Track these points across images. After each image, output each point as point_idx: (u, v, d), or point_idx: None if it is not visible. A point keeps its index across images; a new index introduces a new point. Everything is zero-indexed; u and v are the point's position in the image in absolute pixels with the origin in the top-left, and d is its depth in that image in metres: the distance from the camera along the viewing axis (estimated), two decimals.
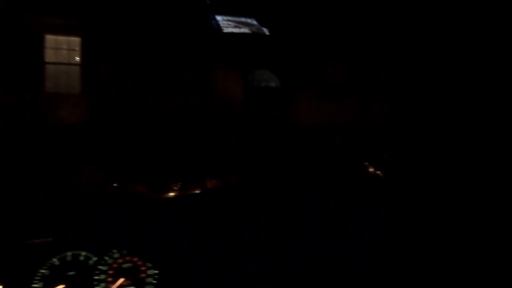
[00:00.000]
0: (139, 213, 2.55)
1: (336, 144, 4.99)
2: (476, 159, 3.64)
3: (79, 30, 6.76)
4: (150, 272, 1.89)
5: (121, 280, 1.79)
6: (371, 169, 4.00)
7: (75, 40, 7.14)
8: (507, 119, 4.60)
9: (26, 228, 2.06)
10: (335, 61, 6.51)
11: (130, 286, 1.80)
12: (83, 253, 1.90)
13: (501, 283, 1.43)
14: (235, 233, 2.30)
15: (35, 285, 1.70)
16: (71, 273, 1.79)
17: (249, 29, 5.65)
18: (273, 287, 1.71)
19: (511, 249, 1.60)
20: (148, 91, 5.21)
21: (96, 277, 1.81)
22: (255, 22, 5.41)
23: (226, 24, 5.48)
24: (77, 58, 7.39)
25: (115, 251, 1.94)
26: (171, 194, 2.96)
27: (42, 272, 1.76)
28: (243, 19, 5.55)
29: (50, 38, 7.31)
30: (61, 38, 7.22)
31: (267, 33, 5.79)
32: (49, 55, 7.79)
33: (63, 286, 1.72)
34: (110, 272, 1.85)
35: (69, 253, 1.88)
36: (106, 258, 1.90)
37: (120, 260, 1.92)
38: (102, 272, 1.84)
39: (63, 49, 7.72)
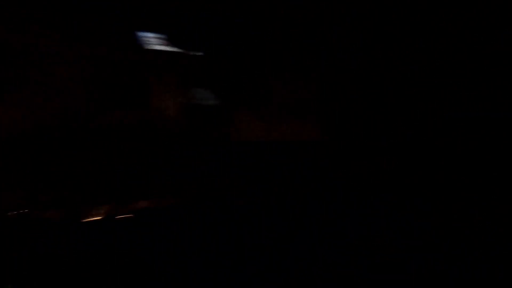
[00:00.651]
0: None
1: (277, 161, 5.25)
2: (476, 160, 3.63)
3: None
4: None
5: None
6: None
7: None
8: (506, 119, 4.59)
9: None
10: (275, 79, 6.36)
11: None
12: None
13: (501, 283, 1.42)
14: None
15: None
16: None
17: (179, 49, 5.57)
18: (273, 287, 1.70)
19: (511, 249, 1.58)
20: (83, 107, 4.99)
21: None
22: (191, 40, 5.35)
23: (154, 41, 5.38)
24: None
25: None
26: (94, 218, 2.80)
27: None
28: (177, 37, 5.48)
29: None
30: None
31: (199, 54, 5.70)
32: None
33: None
34: None
35: None
36: None
37: None
38: None
39: None
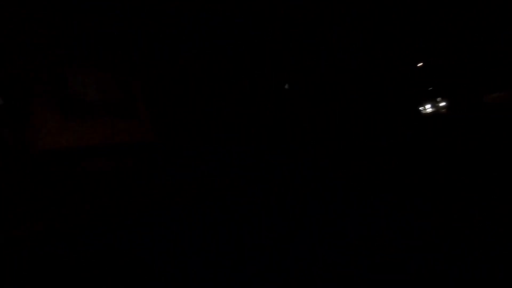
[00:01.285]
0: None
1: (95, 167, 4.37)
2: (476, 160, 3.64)
3: None
4: None
5: None
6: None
7: None
8: (506, 120, 4.59)
9: None
10: (81, 74, 4.91)
11: None
12: None
13: (501, 283, 1.41)
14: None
15: None
16: None
17: None
18: (273, 287, 1.68)
19: (511, 249, 1.58)
20: None
21: None
22: None
23: None
24: None
25: None
26: None
27: None
28: None
29: None
30: None
31: None
32: None
33: None
34: None
35: None
36: None
37: None
38: None
39: None
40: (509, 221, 1.85)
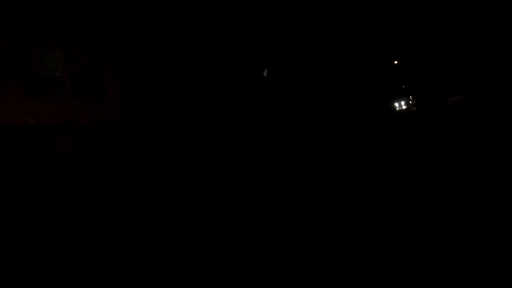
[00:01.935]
0: None
1: (61, 148, 4.13)
2: (476, 160, 3.78)
3: None
4: None
5: None
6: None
7: None
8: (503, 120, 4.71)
9: None
10: (44, 48, 4.46)
11: None
12: None
13: (501, 283, 1.39)
14: None
15: None
16: None
17: None
18: (273, 287, 1.75)
19: (511, 249, 1.57)
20: None
21: None
22: None
23: None
24: None
25: None
26: None
27: None
28: None
29: None
30: None
31: None
32: None
33: None
34: None
35: None
36: None
37: None
38: None
39: None
40: (509, 221, 1.89)
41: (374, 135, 5.61)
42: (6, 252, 2.19)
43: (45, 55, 4.36)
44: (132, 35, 5.36)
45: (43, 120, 4.07)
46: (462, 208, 2.17)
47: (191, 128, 5.51)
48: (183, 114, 5.57)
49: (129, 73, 5.20)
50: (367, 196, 2.88)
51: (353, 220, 2.32)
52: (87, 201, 2.93)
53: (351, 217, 2.39)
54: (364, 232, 2.05)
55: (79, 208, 2.83)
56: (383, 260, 1.62)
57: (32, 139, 3.81)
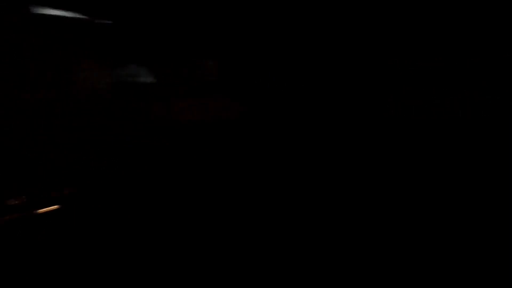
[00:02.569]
0: None
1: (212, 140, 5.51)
2: (477, 160, 3.78)
3: None
4: None
5: None
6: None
7: None
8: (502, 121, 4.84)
9: None
10: (206, 58, 6.46)
11: None
12: None
13: (501, 283, 1.36)
14: None
15: None
16: None
17: (83, 16, 5.08)
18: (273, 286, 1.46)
19: (511, 249, 1.56)
20: None
21: None
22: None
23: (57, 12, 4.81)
24: None
25: None
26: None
27: None
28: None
29: None
30: None
31: (107, 22, 5.23)
32: None
33: None
34: None
35: None
36: None
37: None
38: None
39: None
40: (509, 221, 1.85)
41: (364, 135, 5.62)
42: None
43: (206, 63, 6.09)
44: (252, 45, 6.55)
45: (199, 117, 5.61)
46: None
47: (299, 124, 6.33)
48: (291, 112, 6.46)
49: (246, 75, 6.24)
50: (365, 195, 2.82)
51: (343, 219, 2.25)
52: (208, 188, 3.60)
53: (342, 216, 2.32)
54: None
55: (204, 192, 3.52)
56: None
57: (192, 132, 5.24)
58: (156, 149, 5.01)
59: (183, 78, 5.81)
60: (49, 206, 2.83)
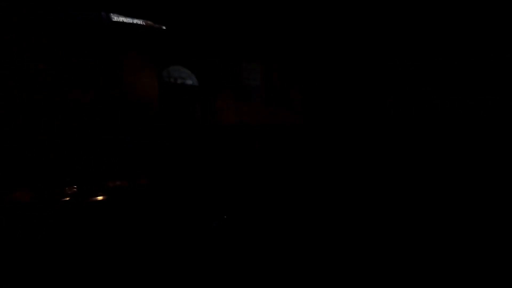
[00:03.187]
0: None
1: (253, 142, 5.63)
2: (476, 161, 3.73)
3: None
4: None
5: None
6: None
7: None
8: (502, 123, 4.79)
9: None
10: (250, 64, 6.67)
11: None
12: None
13: (501, 283, 1.36)
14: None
15: None
16: None
17: (144, 22, 5.38)
18: (272, 286, 1.54)
19: (511, 249, 1.55)
20: (49, 86, 4.47)
21: None
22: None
23: (117, 17, 5.07)
24: None
25: None
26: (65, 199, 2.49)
27: None
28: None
29: None
30: None
31: (163, 27, 5.55)
32: None
33: None
34: None
35: None
36: None
37: None
38: None
39: None
40: (509, 221, 1.84)
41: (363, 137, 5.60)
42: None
43: (250, 69, 6.45)
44: (316, 55, 6.89)
45: (242, 120, 5.96)
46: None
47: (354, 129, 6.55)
48: (349, 118, 6.74)
49: (308, 84, 6.73)
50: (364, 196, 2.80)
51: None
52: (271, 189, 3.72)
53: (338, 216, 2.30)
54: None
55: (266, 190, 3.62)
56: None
57: (233, 134, 5.51)
58: (203, 147, 5.03)
59: (227, 82, 6.17)
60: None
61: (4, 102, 3.82)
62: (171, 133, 4.76)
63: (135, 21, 5.14)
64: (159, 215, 2.46)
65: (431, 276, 1.43)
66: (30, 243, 1.94)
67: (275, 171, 4.59)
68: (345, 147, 5.47)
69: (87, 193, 2.75)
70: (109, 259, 1.87)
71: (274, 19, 5.75)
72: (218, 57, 5.92)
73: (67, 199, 2.57)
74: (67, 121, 4.36)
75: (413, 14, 4.97)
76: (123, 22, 4.96)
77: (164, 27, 5.20)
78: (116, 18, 4.97)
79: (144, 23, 5.13)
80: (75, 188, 2.70)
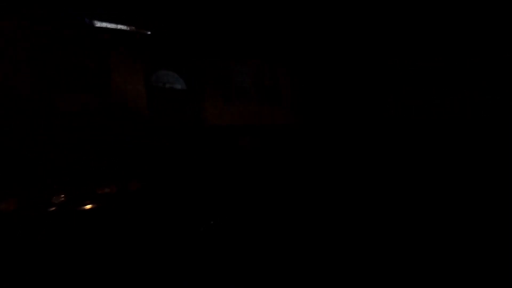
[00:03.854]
0: None
1: (244, 144, 5.65)
2: (476, 161, 3.74)
3: None
4: None
5: None
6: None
7: None
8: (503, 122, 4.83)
9: None
10: (240, 65, 6.60)
11: None
12: None
13: (501, 283, 1.31)
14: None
15: None
16: None
17: (128, 28, 5.39)
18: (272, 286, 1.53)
19: (511, 249, 1.52)
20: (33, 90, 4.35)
21: None
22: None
23: (102, 23, 5.06)
24: None
25: None
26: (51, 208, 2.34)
27: None
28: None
29: None
30: None
31: (148, 33, 5.60)
32: None
33: None
34: None
35: None
36: None
37: None
38: None
39: None
40: (509, 221, 1.82)
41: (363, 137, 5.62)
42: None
43: (239, 70, 6.35)
44: (305, 52, 6.70)
45: (233, 122, 5.89)
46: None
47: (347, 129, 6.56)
48: (341, 116, 6.72)
49: (299, 82, 6.63)
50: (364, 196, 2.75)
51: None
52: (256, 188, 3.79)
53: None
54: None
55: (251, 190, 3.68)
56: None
57: (224, 136, 5.46)
58: (192, 149, 4.95)
59: (216, 84, 6.04)
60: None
61: None
62: (160, 136, 4.72)
63: (119, 26, 5.06)
64: (147, 221, 2.40)
65: (431, 276, 1.41)
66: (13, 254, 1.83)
67: (267, 173, 4.52)
68: (345, 147, 5.41)
69: (74, 201, 2.57)
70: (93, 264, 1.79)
71: (271, 19, 5.68)
72: (207, 59, 5.87)
73: (53, 209, 2.36)
74: (59, 121, 4.23)
75: (413, 14, 4.92)
76: (106, 28, 4.86)
77: (149, 32, 5.08)
78: (99, 24, 4.90)
79: (128, 29, 5.04)
80: (62, 197, 2.49)
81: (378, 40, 5.75)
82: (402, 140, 5.14)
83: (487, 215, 1.92)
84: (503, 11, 4.55)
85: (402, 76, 5.67)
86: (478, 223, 1.85)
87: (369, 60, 5.91)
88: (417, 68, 5.45)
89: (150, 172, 3.89)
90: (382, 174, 4.03)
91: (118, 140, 4.21)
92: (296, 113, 7.00)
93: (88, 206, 2.54)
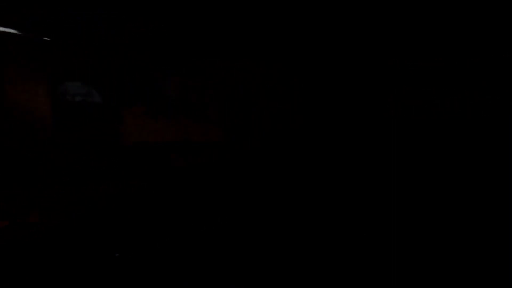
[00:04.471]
0: None
1: (177, 162, 5.32)
2: (476, 161, 3.76)
3: None
4: None
5: None
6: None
7: None
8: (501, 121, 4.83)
9: None
10: (165, 76, 6.42)
11: None
12: None
13: (501, 283, 1.35)
14: None
15: None
16: None
17: (21, 33, 4.65)
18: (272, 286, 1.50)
19: (511, 249, 1.55)
20: None
21: None
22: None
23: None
24: None
25: None
26: None
27: None
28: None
29: None
30: None
31: (45, 39, 4.74)
32: None
33: None
34: None
35: None
36: None
37: None
38: None
39: None
40: (509, 221, 1.84)
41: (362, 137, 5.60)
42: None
43: (164, 83, 5.83)
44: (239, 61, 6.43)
45: (159, 138, 5.51)
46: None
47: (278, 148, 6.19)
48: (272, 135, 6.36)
49: (227, 98, 6.27)
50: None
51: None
52: (191, 204, 3.79)
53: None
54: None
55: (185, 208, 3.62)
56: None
57: (150, 154, 5.26)
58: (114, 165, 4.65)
59: (138, 98, 5.44)
60: None
61: None
62: (67, 154, 4.45)
63: (12, 31, 4.57)
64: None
65: (430, 275, 1.43)
66: None
67: (201, 191, 4.47)
68: (344, 146, 5.44)
69: None
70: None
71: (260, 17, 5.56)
72: (126, 70, 5.35)
73: None
74: None
75: (413, 14, 4.95)
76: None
77: (48, 39, 4.61)
78: None
79: (21, 33, 4.64)
80: None
81: (378, 40, 5.79)
82: (402, 140, 5.16)
83: (487, 215, 1.95)
84: (503, 11, 4.56)
85: (402, 76, 5.69)
86: (478, 223, 1.87)
87: (370, 60, 5.93)
88: (417, 68, 5.46)
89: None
90: (382, 174, 4.08)
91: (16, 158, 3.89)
92: (226, 130, 6.59)
93: None
